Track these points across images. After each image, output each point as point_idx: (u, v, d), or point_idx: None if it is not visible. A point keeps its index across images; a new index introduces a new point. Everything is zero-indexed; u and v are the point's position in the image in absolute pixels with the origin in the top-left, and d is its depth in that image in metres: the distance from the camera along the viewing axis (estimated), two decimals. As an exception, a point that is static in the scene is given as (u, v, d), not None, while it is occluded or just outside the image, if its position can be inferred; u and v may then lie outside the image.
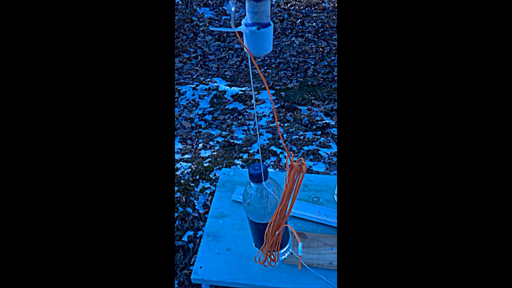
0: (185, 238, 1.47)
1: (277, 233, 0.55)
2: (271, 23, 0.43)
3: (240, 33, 0.44)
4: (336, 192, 0.81)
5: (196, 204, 1.64)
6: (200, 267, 0.68)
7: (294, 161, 0.51)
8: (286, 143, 1.97)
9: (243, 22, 0.43)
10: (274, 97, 2.43)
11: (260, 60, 2.97)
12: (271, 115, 2.22)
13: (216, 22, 3.73)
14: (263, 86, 2.57)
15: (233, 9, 0.40)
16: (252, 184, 0.57)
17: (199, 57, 3.11)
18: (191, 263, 1.38)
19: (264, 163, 1.85)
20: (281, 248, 0.63)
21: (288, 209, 0.53)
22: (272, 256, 0.60)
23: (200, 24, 3.66)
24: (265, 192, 0.57)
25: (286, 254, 0.67)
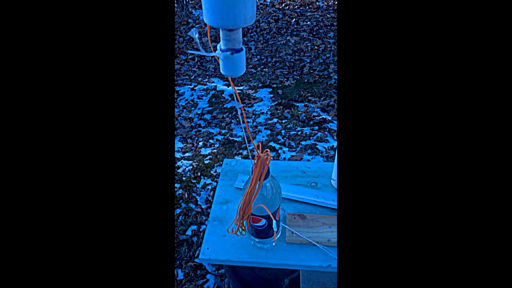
0: (188, 232, 1.51)
1: (246, 209, 0.65)
2: (243, 48, 0.48)
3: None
4: (332, 176, 0.85)
5: (198, 199, 1.68)
6: (207, 248, 0.72)
7: (261, 153, 0.60)
8: (285, 138, 2.02)
9: (218, 46, 0.48)
10: (271, 95, 2.47)
11: (256, 59, 3.02)
12: (268, 112, 2.27)
13: (212, 23, 3.77)
14: (260, 85, 2.62)
15: (196, 35, 0.44)
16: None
17: (196, 58, 3.16)
18: (196, 256, 1.42)
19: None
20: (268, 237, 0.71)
21: (256, 191, 0.63)
22: (242, 226, 0.69)
23: (196, 26, 3.71)
24: (264, 186, 0.64)
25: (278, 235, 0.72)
